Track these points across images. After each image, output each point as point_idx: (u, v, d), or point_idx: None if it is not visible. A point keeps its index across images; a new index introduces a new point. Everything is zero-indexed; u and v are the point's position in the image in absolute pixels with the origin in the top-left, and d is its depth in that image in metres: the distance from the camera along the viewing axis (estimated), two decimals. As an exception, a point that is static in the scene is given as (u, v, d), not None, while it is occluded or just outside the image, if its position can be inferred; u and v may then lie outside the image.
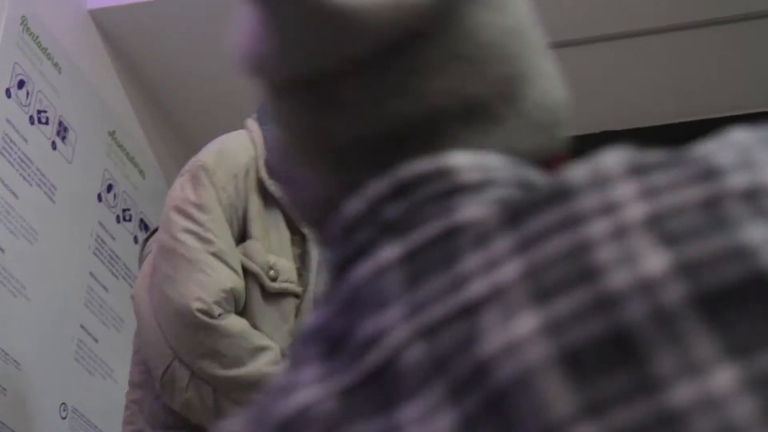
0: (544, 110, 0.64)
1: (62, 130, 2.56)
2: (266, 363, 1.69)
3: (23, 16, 2.46)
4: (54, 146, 2.52)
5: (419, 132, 0.60)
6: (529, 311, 0.49)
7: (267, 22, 0.64)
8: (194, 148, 3.23)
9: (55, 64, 2.57)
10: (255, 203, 1.77)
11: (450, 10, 0.61)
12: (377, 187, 0.58)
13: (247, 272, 1.74)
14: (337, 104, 0.62)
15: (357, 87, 0.61)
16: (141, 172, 2.92)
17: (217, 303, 1.69)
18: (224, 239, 1.74)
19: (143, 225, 2.90)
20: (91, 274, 2.61)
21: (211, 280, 1.70)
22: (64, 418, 2.44)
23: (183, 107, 3.07)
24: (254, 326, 1.74)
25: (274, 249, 1.76)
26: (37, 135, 2.46)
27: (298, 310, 1.77)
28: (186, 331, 1.69)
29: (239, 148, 1.84)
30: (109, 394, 2.63)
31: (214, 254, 1.72)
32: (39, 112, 2.48)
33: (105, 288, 2.66)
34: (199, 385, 1.70)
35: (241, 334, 1.70)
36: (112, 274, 2.71)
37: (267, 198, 1.78)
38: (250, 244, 1.76)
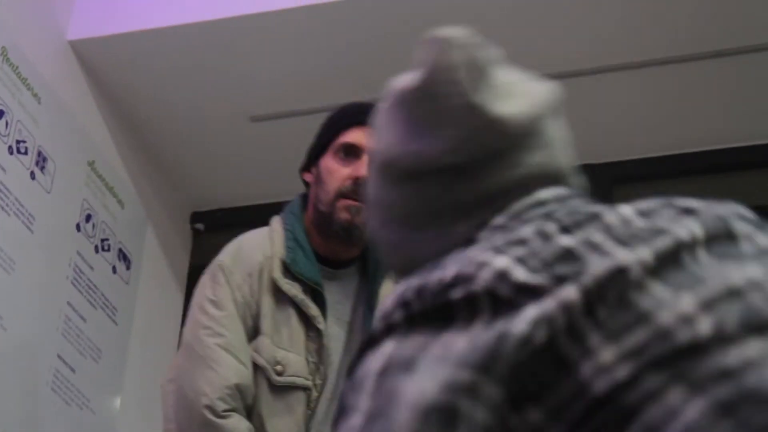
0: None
1: (41, 160, 2.56)
2: None
3: (3, 47, 2.47)
4: (33, 176, 2.52)
5: (519, 188, 0.96)
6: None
7: (432, 127, 0.96)
8: (173, 179, 3.25)
9: (35, 95, 2.57)
10: (267, 301, 1.89)
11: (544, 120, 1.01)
12: (501, 218, 0.94)
13: (256, 366, 1.86)
14: (476, 179, 0.96)
15: (491, 167, 0.96)
16: (120, 202, 2.92)
17: (221, 399, 1.82)
18: (235, 334, 1.87)
19: (122, 255, 2.89)
20: (68, 303, 2.61)
21: (217, 377, 1.83)
22: (40, 449, 2.42)
23: (162, 138, 3.07)
24: (261, 415, 1.85)
25: (284, 344, 1.87)
26: (15, 165, 2.46)
27: (311, 401, 1.87)
28: (195, 427, 1.82)
29: (256, 248, 1.95)
30: (86, 424, 2.62)
31: (223, 348, 1.86)
32: (18, 142, 2.48)
33: (83, 318, 2.65)
34: None
35: (238, 430, 1.81)
36: (90, 304, 2.70)
37: (279, 296, 1.90)
38: (260, 340, 1.88)
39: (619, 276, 0.80)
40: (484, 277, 0.82)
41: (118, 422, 2.76)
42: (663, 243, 0.84)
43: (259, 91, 2.91)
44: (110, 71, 2.86)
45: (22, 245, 2.44)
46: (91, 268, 2.73)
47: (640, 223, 0.88)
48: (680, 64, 2.75)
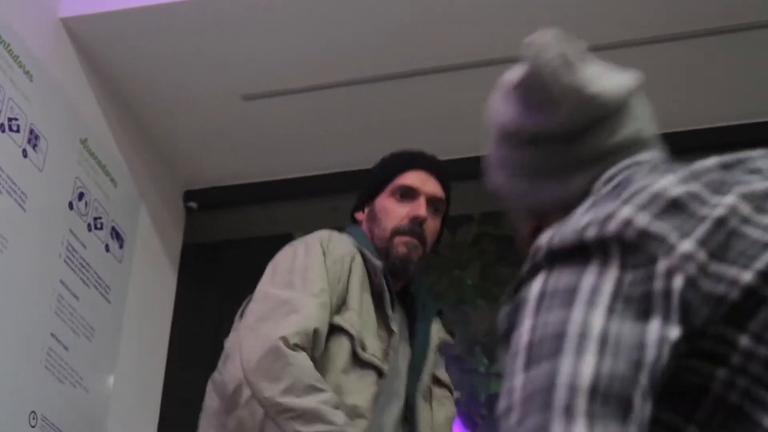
0: None
1: (33, 138, 2.55)
2: (319, 402, 1.86)
3: (-5, 24, 2.46)
4: (25, 154, 2.52)
5: (620, 150, 1.22)
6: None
7: (544, 105, 1.24)
8: (165, 157, 3.24)
9: (27, 72, 2.56)
10: (356, 284, 2.04)
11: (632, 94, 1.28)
12: (610, 173, 1.20)
13: (344, 333, 1.99)
14: (584, 142, 1.23)
15: (595, 133, 1.23)
16: (112, 180, 2.91)
17: (297, 334, 1.92)
18: (324, 290, 2.00)
19: (115, 233, 2.89)
20: (61, 282, 2.61)
21: (299, 318, 1.94)
22: (33, 427, 2.43)
23: (155, 116, 3.07)
24: (338, 376, 1.96)
25: (367, 327, 2.03)
26: (7, 143, 2.45)
27: (380, 385, 1.99)
28: (261, 353, 1.90)
29: (349, 241, 2.14)
30: (79, 402, 2.62)
31: (311, 296, 1.99)
32: (10, 119, 2.47)
33: (75, 296, 2.65)
34: (253, 406, 1.88)
35: (304, 370, 1.89)
36: (83, 282, 2.70)
37: (365, 286, 2.07)
38: (349, 314, 2.02)
39: (729, 215, 1.00)
40: (613, 225, 1.00)
41: (112, 400, 2.77)
42: (755, 187, 1.04)
43: (252, 70, 2.91)
44: (102, 49, 2.85)
45: (15, 224, 2.44)
46: (84, 246, 2.72)
47: (725, 174, 1.07)
48: (674, 42, 2.75)
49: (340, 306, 2.03)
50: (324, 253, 2.06)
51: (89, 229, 2.77)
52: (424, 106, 3.00)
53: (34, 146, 2.55)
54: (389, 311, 2.07)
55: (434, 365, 2.19)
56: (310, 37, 2.81)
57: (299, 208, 3.36)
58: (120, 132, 2.99)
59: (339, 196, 3.31)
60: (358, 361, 1.99)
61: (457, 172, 3.20)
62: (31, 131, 2.55)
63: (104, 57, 2.87)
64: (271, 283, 2.05)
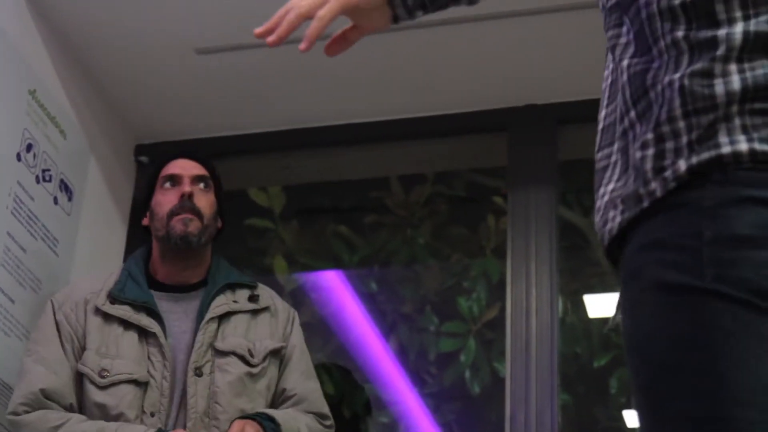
0: None
1: (-19, 88, 2.51)
2: (66, 429, 2.17)
3: (-59, -31, 2.41)
4: (-28, 103, 2.48)
5: None
6: None
7: None
8: (117, 110, 3.21)
9: (-26, 20, 2.52)
10: (94, 323, 2.29)
11: None
12: None
13: (83, 375, 2.26)
14: None
15: None
16: (62, 132, 2.88)
17: (23, 403, 2.21)
18: (49, 351, 2.28)
19: (63, 186, 2.86)
20: (8, 234, 2.58)
21: (25, 385, 2.24)
22: (-22, 379, 2.41)
23: (106, 68, 3.03)
24: (89, 410, 2.23)
25: (110, 354, 2.26)
26: (-46, 91, 2.41)
27: (154, 385, 2.23)
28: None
29: (86, 287, 2.39)
30: (26, 355, 2.61)
31: (34, 361, 2.27)
32: (-43, 68, 2.43)
33: (22, 248, 2.63)
34: None
35: (37, 418, 2.19)
36: (31, 234, 2.68)
37: (107, 318, 2.30)
38: (86, 354, 2.27)
39: None
40: None
41: (59, 353, 2.76)
42: None
43: (205, 23, 2.88)
44: (53, -2, 2.80)
45: (-39, 174, 2.40)
46: (32, 198, 2.70)
47: None
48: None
49: (83, 349, 2.29)
50: (54, 313, 2.35)
51: (37, 181, 2.73)
52: (377, 65, 2.99)
53: (-19, 96, 2.51)
54: (143, 323, 2.29)
55: (212, 339, 2.29)
56: (264, -9, 2.78)
57: (251, 165, 3.35)
58: (70, 84, 2.95)
59: (292, 153, 3.31)
60: (104, 387, 2.24)
61: (412, 132, 3.21)
62: (-22, 80, 2.51)
63: (55, 8, 2.82)
64: None
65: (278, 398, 2.34)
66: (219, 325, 2.32)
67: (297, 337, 2.43)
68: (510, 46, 2.88)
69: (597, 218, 1.26)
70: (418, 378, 4.09)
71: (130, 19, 2.86)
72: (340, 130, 3.21)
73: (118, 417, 2.19)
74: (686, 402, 1.06)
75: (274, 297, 2.48)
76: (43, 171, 2.77)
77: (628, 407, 3.57)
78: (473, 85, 3.02)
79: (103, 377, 2.22)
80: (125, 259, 3.12)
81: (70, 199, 2.89)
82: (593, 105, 3.07)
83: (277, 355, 2.36)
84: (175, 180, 2.44)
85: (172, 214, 2.36)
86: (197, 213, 2.37)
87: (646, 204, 1.15)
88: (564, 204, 3.36)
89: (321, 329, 3.82)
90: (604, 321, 3.62)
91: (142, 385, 2.22)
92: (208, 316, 2.30)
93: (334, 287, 3.88)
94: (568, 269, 3.43)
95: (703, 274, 1.06)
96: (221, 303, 2.34)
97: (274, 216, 3.72)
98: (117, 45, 2.95)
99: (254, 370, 2.29)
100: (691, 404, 1.06)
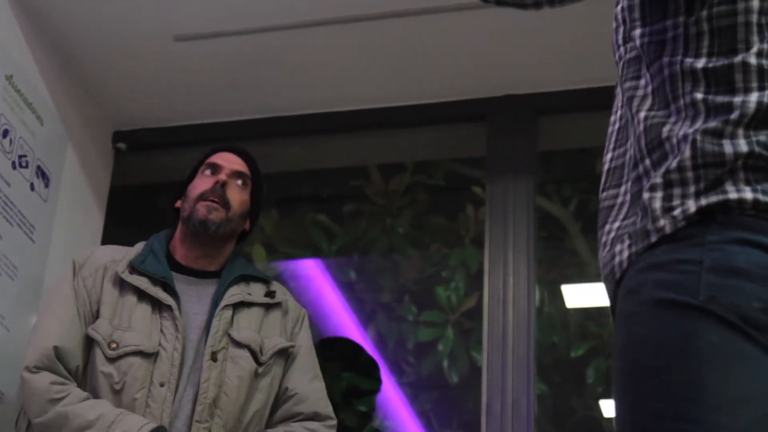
0: None
1: (-44, 72, 2.49)
2: (64, 405, 2.18)
3: None
4: (-53, 88, 2.46)
5: None
6: None
7: None
8: (95, 97, 3.19)
9: (-50, 4, 2.50)
10: (110, 291, 2.31)
11: None
12: None
13: (93, 340, 2.26)
14: None
15: None
16: (39, 118, 2.86)
17: (37, 366, 2.22)
18: (66, 309, 2.30)
19: (40, 172, 2.85)
20: (-16, 220, 2.56)
21: (39, 339, 2.26)
22: (-48, 366, 2.40)
23: (84, 54, 3.01)
24: (95, 377, 2.24)
25: (122, 326, 2.27)
26: (-71, 76, 2.39)
27: (164, 358, 2.24)
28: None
29: (107, 254, 2.40)
30: (1, 341, 2.60)
31: (51, 317, 2.30)
32: (-68, 52, 2.41)
33: (-1, 235, 2.62)
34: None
35: (41, 385, 2.20)
36: (6, 220, 2.66)
37: (124, 288, 2.31)
38: (99, 322, 2.28)
39: None
40: None
41: (35, 341, 2.74)
42: None
43: (185, 10, 2.87)
44: (30, -17, 2.78)
45: (-64, 159, 2.39)
46: (8, 184, 2.68)
47: None
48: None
49: (97, 315, 2.30)
50: (74, 274, 2.36)
51: (13, 167, 2.72)
52: (358, 54, 2.98)
53: (-43, 81, 2.49)
54: (159, 295, 2.30)
55: (228, 326, 2.32)
56: (244, -22, 2.77)
57: (231, 153, 3.34)
58: (48, 70, 2.93)
59: (271, 141, 3.30)
60: (112, 359, 2.24)
61: (391, 121, 3.21)
62: (-46, 65, 2.49)
63: (32, -9, 2.80)
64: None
65: (281, 396, 2.37)
66: (233, 314, 2.34)
67: (304, 337, 2.46)
68: (490, 36, 2.88)
69: (603, 253, 1.35)
70: (396, 367, 4.10)
71: (109, 6, 2.84)
72: (319, 119, 3.21)
73: (122, 388, 2.20)
74: (664, 401, 1.14)
75: (287, 294, 2.50)
76: (20, 157, 2.75)
77: (605, 397, 3.59)
78: (453, 74, 3.02)
79: (112, 349, 2.24)
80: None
81: (46, 185, 2.88)
82: (573, 96, 3.10)
83: (284, 354, 2.38)
84: (215, 169, 2.46)
85: (201, 197, 2.39)
86: (225, 203, 2.40)
87: (654, 239, 1.24)
88: (543, 194, 3.36)
89: (299, 318, 3.81)
90: (581, 311, 3.63)
91: (150, 356, 2.23)
92: (223, 303, 2.33)
93: (313, 276, 3.88)
94: (546, 259, 3.43)
95: (697, 294, 1.17)
96: (236, 292, 2.37)
97: (253, 204, 3.71)
98: (96, 31, 2.93)
99: (261, 369, 2.32)
100: (668, 404, 1.14)
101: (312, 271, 3.87)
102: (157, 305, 2.30)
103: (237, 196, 2.43)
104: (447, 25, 2.85)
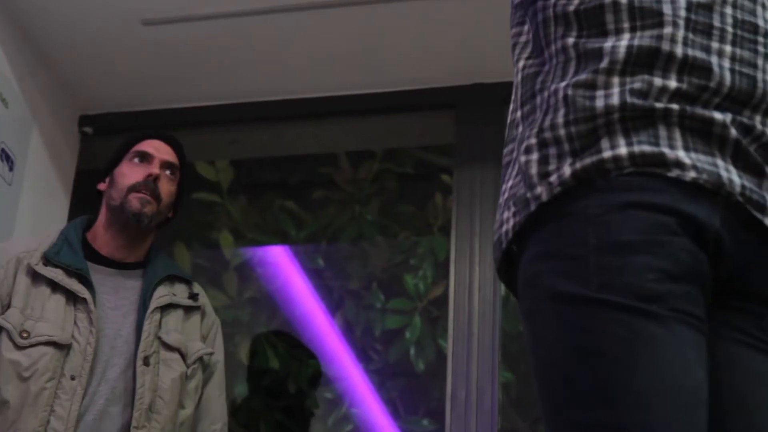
0: None
1: None
2: None
3: None
4: None
5: None
6: None
7: None
8: (61, 80, 3.16)
9: None
10: (23, 282, 2.27)
11: None
12: None
13: (3, 328, 2.23)
14: None
15: None
16: (3, 100, 2.84)
17: None
18: None
19: (5, 155, 2.82)
20: (-54, 203, 2.54)
21: None
22: None
23: (51, 38, 2.99)
24: (8, 362, 2.18)
25: (34, 316, 2.24)
26: None
27: (77, 351, 2.21)
28: None
29: (18, 246, 2.36)
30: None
31: None
32: None
33: (-39, 218, 2.59)
34: None
35: None
36: (-30, 204, 2.64)
37: (37, 279, 2.27)
38: (10, 311, 2.25)
39: None
40: None
41: None
42: None
43: (153, -6, 2.85)
44: (-5, -36, 2.75)
45: None
46: (-28, 167, 2.65)
47: None
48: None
49: (8, 306, 2.27)
50: None
51: (-23, 150, 2.69)
52: (327, 40, 2.98)
53: None
54: (74, 287, 2.27)
55: (157, 329, 2.31)
56: (212, -37, 2.76)
57: (199, 138, 3.32)
58: (13, 52, 2.91)
59: (240, 127, 3.29)
60: (22, 348, 2.21)
61: (360, 108, 3.20)
62: None
63: (-3, -27, 2.78)
64: None
65: (200, 408, 2.39)
66: (161, 316, 2.33)
67: (221, 350, 2.47)
68: (459, 24, 2.88)
69: (497, 215, 1.28)
70: (363, 354, 4.11)
71: (75, -12, 2.82)
72: (288, 105, 3.20)
73: (31, 376, 2.17)
74: (583, 410, 1.09)
75: (206, 297, 2.50)
76: (-16, 140, 2.73)
77: (570, 385, 3.61)
78: (422, 62, 3.02)
79: (23, 338, 2.22)
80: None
81: (11, 168, 2.85)
82: (540, 85, 3.09)
83: (203, 359, 2.39)
84: (145, 158, 2.44)
85: (133, 189, 2.38)
86: (157, 197, 2.39)
87: (533, 208, 1.17)
88: (510, 183, 3.37)
89: (267, 304, 3.81)
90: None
91: (63, 348, 2.21)
92: (152, 305, 2.32)
93: (281, 263, 3.88)
94: (513, 248, 3.45)
95: (590, 282, 1.10)
96: (163, 293, 2.36)
97: (222, 190, 3.70)
98: (62, 14, 2.90)
99: (188, 371, 2.33)
100: (587, 412, 1.08)
101: (280, 257, 3.87)
102: (72, 297, 2.27)
103: (167, 188, 2.43)
104: (417, 13, 2.85)
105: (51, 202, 3.08)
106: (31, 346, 2.20)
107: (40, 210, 2.99)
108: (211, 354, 2.41)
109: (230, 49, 3.01)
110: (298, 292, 3.82)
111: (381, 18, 2.88)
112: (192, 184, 3.59)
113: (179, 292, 2.40)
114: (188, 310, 2.40)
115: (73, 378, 2.19)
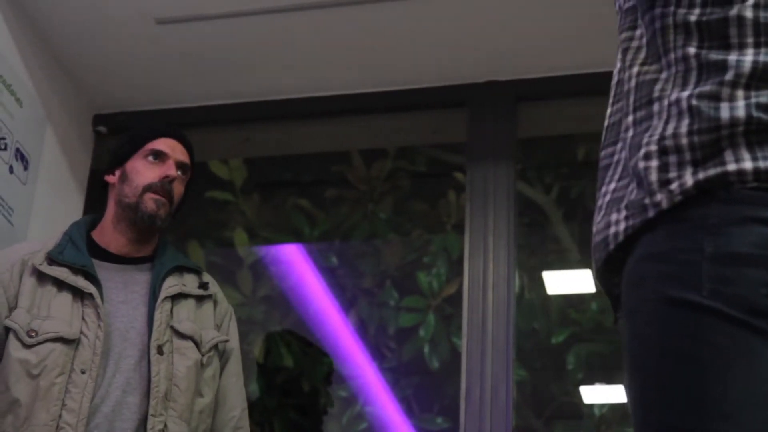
0: None
1: (-66, 54, 2.47)
2: None
3: None
4: (-75, 69, 2.44)
5: None
6: None
7: None
8: (75, 79, 3.17)
9: (-72, -16, 2.48)
10: (29, 283, 2.27)
11: None
12: None
13: (10, 330, 2.23)
14: None
15: None
16: (18, 100, 2.84)
17: None
18: None
19: (19, 155, 2.83)
20: (-38, 202, 2.55)
21: None
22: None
23: (65, 37, 2.99)
24: (7, 365, 2.20)
25: (41, 315, 2.24)
26: None
27: (85, 345, 2.22)
28: None
29: (21, 249, 2.36)
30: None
31: None
32: None
33: (-23, 218, 2.60)
34: None
35: None
36: (-15, 203, 2.65)
37: (43, 279, 2.27)
38: (17, 312, 2.25)
39: None
40: None
41: (13, 324, 2.73)
42: None
43: (166, -7, 2.85)
44: (9, -36, 2.76)
45: None
46: (-13, 167, 2.66)
47: None
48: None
49: (16, 306, 2.27)
50: None
51: (-8, 150, 2.70)
52: (341, 38, 2.98)
53: (-65, 62, 2.47)
54: (79, 284, 2.27)
55: (169, 318, 2.32)
56: (225, -39, 2.76)
57: (212, 137, 3.33)
58: (27, 51, 2.91)
59: (253, 125, 3.29)
60: (30, 346, 2.22)
61: (373, 106, 3.20)
62: (-68, 46, 2.47)
63: (11, -27, 2.78)
64: None
65: (218, 394, 2.39)
66: (172, 306, 2.34)
67: (235, 336, 2.47)
68: (471, 22, 2.88)
69: (598, 218, 1.28)
70: (377, 352, 4.11)
71: (88, -13, 2.83)
72: (301, 103, 3.20)
73: (41, 373, 2.18)
74: (671, 413, 1.10)
75: (217, 286, 2.50)
76: (-1, 139, 2.74)
77: (585, 383, 3.60)
78: (434, 60, 3.02)
79: (30, 337, 2.22)
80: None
81: (26, 168, 2.86)
82: (553, 82, 3.11)
83: (217, 348, 2.39)
84: (161, 157, 2.42)
85: (149, 189, 2.37)
86: (171, 199, 2.40)
87: (651, 214, 1.18)
88: (524, 181, 3.37)
89: (281, 303, 3.82)
90: (562, 298, 3.64)
91: (71, 343, 2.21)
92: (162, 295, 2.32)
93: (295, 261, 3.88)
94: (527, 246, 3.44)
95: (701, 288, 1.11)
96: (173, 284, 2.36)
97: (235, 189, 3.70)
98: (76, 14, 2.91)
99: (204, 359, 2.34)
100: (675, 416, 1.10)
101: (293, 256, 3.87)
102: (79, 294, 2.27)
103: (178, 189, 2.44)
104: (429, 11, 2.84)
105: (65, 201, 3.09)
106: (39, 343, 2.20)
107: (54, 209, 3.00)
108: (226, 341, 2.41)
109: (244, 48, 3.01)
110: (311, 291, 3.83)
111: (394, 16, 2.88)
112: (205, 183, 3.60)
113: (189, 282, 2.41)
114: (200, 299, 2.41)
115: (83, 372, 2.19)
